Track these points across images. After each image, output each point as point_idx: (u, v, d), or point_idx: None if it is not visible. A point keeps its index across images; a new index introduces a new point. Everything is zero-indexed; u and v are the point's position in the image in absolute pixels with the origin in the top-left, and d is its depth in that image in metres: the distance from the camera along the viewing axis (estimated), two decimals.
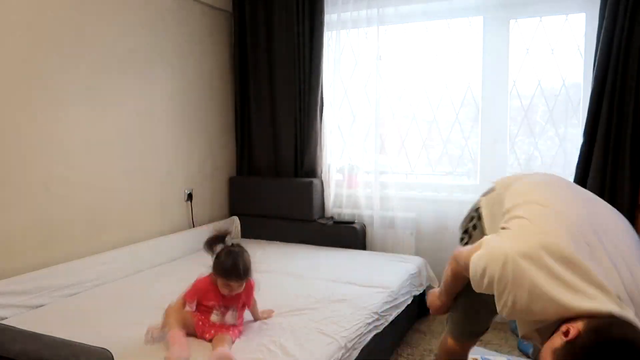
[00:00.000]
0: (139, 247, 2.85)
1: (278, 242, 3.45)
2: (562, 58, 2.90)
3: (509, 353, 2.59)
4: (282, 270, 2.79)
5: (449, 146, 3.26)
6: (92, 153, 2.63)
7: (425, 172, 3.36)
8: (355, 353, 1.98)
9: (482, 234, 1.52)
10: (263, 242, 3.47)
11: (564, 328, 1.08)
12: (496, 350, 2.62)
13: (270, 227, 3.55)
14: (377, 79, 3.28)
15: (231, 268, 1.88)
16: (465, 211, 1.72)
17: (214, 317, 1.94)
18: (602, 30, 2.60)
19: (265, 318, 2.13)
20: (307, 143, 3.44)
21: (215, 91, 3.56)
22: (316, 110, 3.40)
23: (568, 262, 1.14)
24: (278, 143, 3.59)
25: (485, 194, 1.62)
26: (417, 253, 3.22)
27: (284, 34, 3.45)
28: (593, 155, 2.67)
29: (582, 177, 2.73)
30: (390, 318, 2.38)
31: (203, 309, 1.96)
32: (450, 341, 1.73)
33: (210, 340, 1.89)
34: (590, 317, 1.07)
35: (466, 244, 1.61)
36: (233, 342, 1.90)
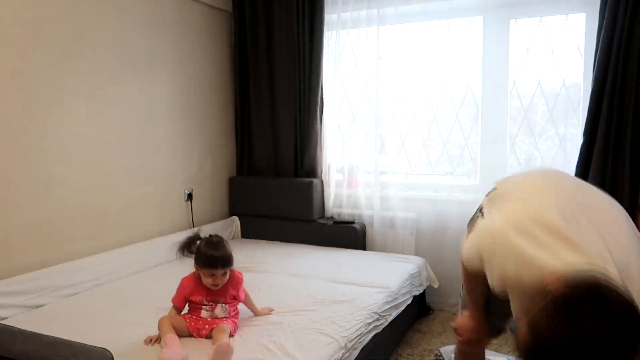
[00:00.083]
0: (139, 247, 2.85)
1: (278, 242, 3.45)
2: (562, 58, 2.90)
3: (509, 353, 2.59)
4: (282, 270, 2.79)
5: (448, 146, 3.26)
6: (92, 153, 2.63)
7: (425, 172, 3.36)
8: (355, 353, 1.98)
9: None
10: (263, 242, 3.47)
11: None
12: (496, 351, 2.62)
13: (270, 227, 3.55)
14: (377, 79, 3.27)
15: (213, 256, 1.91)
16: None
17: (204, 313, 1.96)
18: (602, 30, 2.60)
19: (266, 314, 2.13)
20: (307, 143, 3.44)
21: (215, 91, 3.56)
22: (316, 110, 3.40)
23: (555, 232, 1.14)
24: (278, 143, 3.59)
25: (487, 194, 1.63)
26: (417, 253, 3.22)
27: (284, 34, 3.45)
28: (593, 155, 2.67)
29: (582, 177, 2.72)
30: (390, 318, 2.38)
31: (192, 307, 1.98)
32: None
33: (207, 337, 1.90)
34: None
35: None
36: (232, 333, 1.91)
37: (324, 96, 3.42)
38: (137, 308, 2.22)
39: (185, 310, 2.02)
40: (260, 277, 2.65)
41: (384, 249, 3.33)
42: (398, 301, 2.52)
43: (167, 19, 3.10)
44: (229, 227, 3.58)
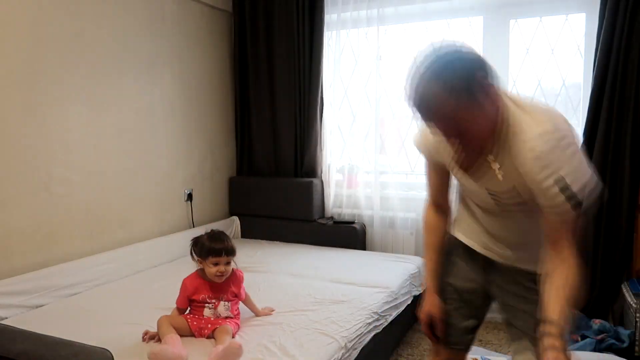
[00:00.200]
0: (139, 247, 2.85)
1: (278, 242, 3.45)
2: (562, 58, 2.90)
3: (508, 353, 2.59)
4: (282, 270, 2.79)
5: None
6: (92, 153, 2.63)
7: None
8: (355, 353, 1.98)
9: None
10: (263, 242, 3.47)
11: None
12: (496, 351, 2.62)
13: (270, 227, 3.55)
14: (377, 79, 3.27)
15: (218, 244, 1.94)
16: None
17: (207, 312, 1.96)
18: (602, 30, 2.60)
19: (266, 314, 2.14)
20: (307, 143, 3.44)
21: (215, 91, 3.56)
22: (316, 110, 3.40)
23: None
24: (278, 143, 3.59)
25: None
26: (417, 253, 3.22)
27: (284, 34, 3.45)
28: (593, 155, 2.67)
29: None
30: (390, 318, 2.38)
31: (195, 306, 1.98)
32: None
33: (209, 337, 1.90)
34: None
35: None
36: (234, 334, 1.91)
37: (324, 96, 3.42)
38: (137, 308, 2.22)
39: (187, 311, 2.02)
40: (260, 277, 2.66)
41: (384, 249, 3.33)
42: (398, 301, 2.52)
43: (167, 19, 3.10)
44: (229, 227, 3.58)
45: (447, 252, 1.57)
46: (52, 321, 2.05)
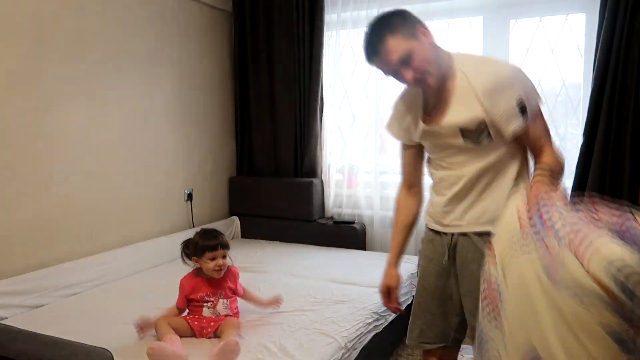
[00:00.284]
0: (139, 247, 2.85)
1: (278, 242, 3.45)
2: (562, 58, 2.90)
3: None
4: (282, 270, 2.79)
5: None
6: (92, 153, 2.63)
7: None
8: (355, 353, 1.98)
9: None
10: (263, 242, 3.47)
11: None
12: None
13: (270, 227, 3.55)
14: (377, 79, 3.27)
15: (212, 240, 1.96)
16: None
17: (206, 312, 1.96)
18: (602, 30, 2.60)
19: (272, 305, 2.13)
20: (307, 143, 3.44)
21: (215, 91, 3.56)
22: (316, 110, 3.40)
23: None
24: (278, 143, 3.59)
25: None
26: (417, 253, 3.21)
27: (284, 34, 3.45)
28: (593, 155, 2.67)
29: (582, 177, 2.73)
30: (390, 318, 2.38)
31: (194, 306, 1.98)
32: None
33: (210, 337, 1.91)
34: None
35: None
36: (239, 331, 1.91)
37: (324, 96, 3.42)
38: (137, 308, 2.21)
39: (185, 312, 2.02)
40: (260, 277, 2.66)
41: (384, 249, 3.32)
42: None
43: (167, 19, 3.10)
44: (229, 227, 3.58)
45: (419, 252, 1.68)
46: (52, 321, 2.05)
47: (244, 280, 2.12)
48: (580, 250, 0.95)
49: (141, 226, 2.96)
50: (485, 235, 1.39)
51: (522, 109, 1.34)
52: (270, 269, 2.81)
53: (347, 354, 1.91)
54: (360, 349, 2.02)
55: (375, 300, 2.33)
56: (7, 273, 2.22)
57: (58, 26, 2.43)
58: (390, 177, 3.34)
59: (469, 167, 1.46)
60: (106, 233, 2.73)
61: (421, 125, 1.50)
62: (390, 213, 3.30)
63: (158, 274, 2.76)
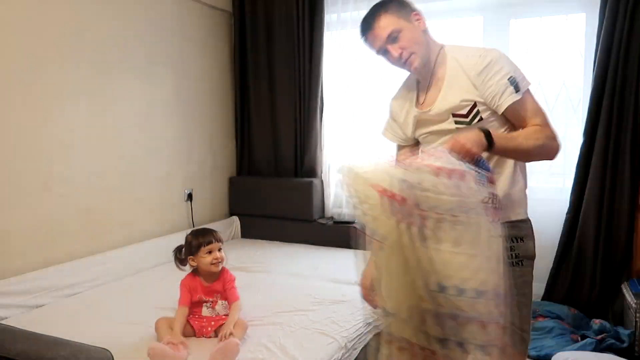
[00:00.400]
0: (139, 247, 2.85)
1: (278, 242, 3.45)
2: (562, 58, 2.90)
3: None
4: (282, 270, 2.79)
5: None
6: (92, 153, 2.63)
7: None
8: (355, 353, 1.98)
9: None
10: (263, 242, 3.47)
11: None
12: None
13: (270, 227, 3.55)
14: (377, 79, 3.27)
15: (207, 237, 1.97)
16: None
17: (205, 311, 1.96)
18: (602, 30, 2.60)
19: (220, 340, 1.79)
20: (307, 143, 3.44)
21: (215, 91, 3.56)
22: (316, 110, 3.40)
23: None
24: (278, 143, 3.59)
25: None
26: None
27: (284, 34, 3.45)
28: (593, 155, 2.67)
29: (582, 177, 2.73)
30: None
31: (193, 306, 1.98)
32: None
33: (210, 336, 1.90)
34: None
35: None
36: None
37: (324, 96, 3.41)
38: (137, 308, 2.22)
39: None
40: (260, 277, 2.65)
41: None
42: None
43: (167, 19, 3.10)
44: (229, 227, 3.58)
45: None
46: (52, 321, 2.05)
47: (244, 280, 2.12)
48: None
49: (141, 226, 2.96)
50: None
51: (515, 86, 1.39)
52: (270, 269, 2.81)
53: (347, 354, 1.91)
54: (360, 349, 2.02)
55: None
56: (7, 273, 2.22)
57: (58, 26, 2.43)
58: None
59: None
60: (106, 233, 2.73)
61: (414, 111, 1.55)
62: None
63: (158, 274, 2.75)
